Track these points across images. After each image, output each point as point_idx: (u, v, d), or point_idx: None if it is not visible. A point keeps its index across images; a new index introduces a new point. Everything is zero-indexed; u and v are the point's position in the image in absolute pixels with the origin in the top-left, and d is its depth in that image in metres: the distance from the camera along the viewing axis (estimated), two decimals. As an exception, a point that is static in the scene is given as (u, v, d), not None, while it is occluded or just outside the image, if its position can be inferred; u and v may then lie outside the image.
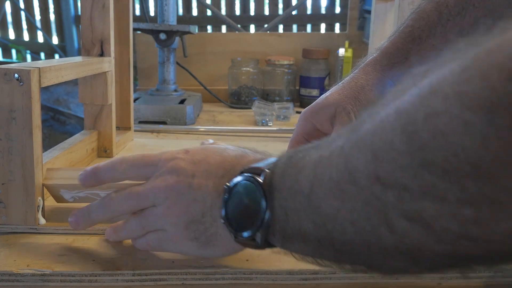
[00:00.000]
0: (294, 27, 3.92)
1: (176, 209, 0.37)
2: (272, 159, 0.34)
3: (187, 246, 0.38)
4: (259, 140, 0.90)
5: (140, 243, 0.40)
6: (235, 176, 0.35)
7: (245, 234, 0.33)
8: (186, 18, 3.89)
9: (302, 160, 0.30)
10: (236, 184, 0.34)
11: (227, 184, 0.35)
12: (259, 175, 0.32)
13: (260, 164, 0.34)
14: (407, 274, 0.27)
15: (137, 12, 3.28)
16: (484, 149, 0.19)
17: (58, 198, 0.48)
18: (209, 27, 3.93)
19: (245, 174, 0.34)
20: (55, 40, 4.21)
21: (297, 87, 1.30)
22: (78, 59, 0.59)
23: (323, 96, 0.54)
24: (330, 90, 0.54)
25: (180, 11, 3.96)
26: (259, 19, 3.95)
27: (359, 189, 0.24)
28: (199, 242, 0.37)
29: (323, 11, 3.99)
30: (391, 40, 0.52)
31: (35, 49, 4.18)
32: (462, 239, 0.21)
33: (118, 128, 0.78)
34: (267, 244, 0.33)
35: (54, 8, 4.14)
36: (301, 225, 0.29)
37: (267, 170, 0.32)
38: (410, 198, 0.22)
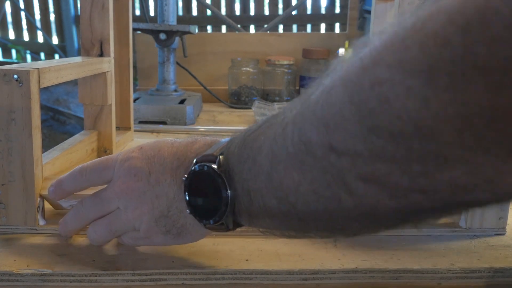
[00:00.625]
0: (294, 27, 3.92)
1: (142, 210, 0.38)
2: (223, 141, 0.35)
3: (162, 239, 0.39)
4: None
5: (124, 241, 0.41)
6: (190, 165, 0.35)
7: (212, 221, 0.34)
8: (186, 18, 3.89)
9: (257, 140, 0.31)
10: (193, 174, 0.35)
11: (185, 176, 0.35)
12: (213, 162, 0.33)
13: (211, 150, 0.35)
14: (367, 233, 0.29)
15: (137, 12, 3.29)
16: (425, 110, 0.21)
17: (56, 206, 0.48)
18: (209, 27, 3.94)
19: (201, 163, 0.34)
20: (55, 40, 4.21)
21: (297, 87, 1.30)
22: (77, 59, 0.59)
23: None
24: None
25: (180, 11, 3.96)
26: (259, 19, 3.95)
27: (316, 160, 0.26)
28: (171, 234, 0.38)
29: (323, 11, 3.99)
30: None
31: (35, 49, 4.18)
32: (412, 192, 0.23)
33: (118, 128, 0.78)
34: (235, 225, 0.34)
35: (54, 8, 4.14)
36: (265, 203, 0.30)
37: (220, 156, 0.33)
38: (363, 161, 0.24)
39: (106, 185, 0.40)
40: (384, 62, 0.22)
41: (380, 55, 0.22)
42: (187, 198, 0.35)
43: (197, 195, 0.35)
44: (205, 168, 0.34)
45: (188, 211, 0.36)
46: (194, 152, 0.37)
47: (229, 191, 0.32)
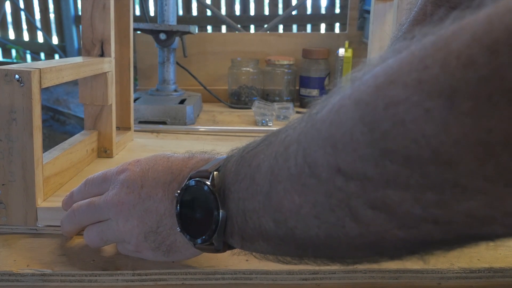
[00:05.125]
0: (294, 27, 3.92)
1: (131, 223, 0.37)
2: (220, 159, 0.34)
3: (151, 255, 0.38)
4: (259, 140, 0.90)
5: (121, 251, 0.41)
6: (184, 180, 0.34)
7: (199, 240, 0.33)
8: (186, 18, 3.89)
9: (256, 158, 0.29)
10: (186, 190, 0.34)
11: (178, 191, 0.34)
12: (207, 178, 0.32)
13: (206, 167, 0.33)
14: (368, 263, 0.27)
15: (137, 12, 3.28)
16: (444, 135, 0.19)
17: None
18: (209, 27, 3.94)
19: (194, 179, 0.33)
20: (55, 40, 4.21)
21: (297, 87, 1.30)
22: (78, 59, 0.60)
23: None
24: None
25: (180, 11, 3.96)
26: (259, 19, 3.95)
27: (320, 182, 0.24)
28: (161, 251, 0.37)
29: (323, 11, 3.99)
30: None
31: (35, 49, 4.18)
32: (425, 222, 0.22)
33: (118, 128, 0.78)
34: (226, 246, 0.33)
35: (54, 8, 4.14)
36: (261, 224, 0.29)
37: (215, 172, 0.32)
38: (373, 187, 0.22)
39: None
40: (400, 82, 0.21)
41: (396, 74, 0.21)
42: (178, 214, 0.34)
43: (188, 212, 0.34)
44: (198, 184, 0.32)
45: (178, 228, 0.35)
46: (189, 167, 0.36)
47: (221, 211, 0.31)
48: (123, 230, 0.38)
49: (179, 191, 0.34)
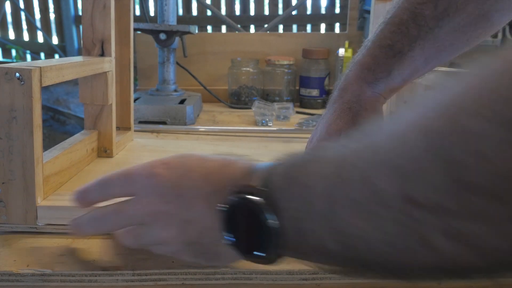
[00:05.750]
0: (294, 27, 3.92)
1: (170, 232, 0.36)
2: (259, 167, 0.33)
3: (192, 260, 0.37)
4: (259, 140, 0.90)
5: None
6: (226, 193, 0.33)
7: (256, 253, 0.32)
8: (186, 18, 3.89)
9: (306, 177, 0.28)
10: (233, 206, 0.32)
11: (224, 206, 0.33)
12: (255, 194, 0.31)
13: (251, 180, 0.32)
14: (431, 282, 0.27)
15: (137, 12, 3.28)
16: None
17: None
18: (209, 27, 3.93)
19: (240, 196, 0.32)
20: (55, 40, 4.21)
21: (297, 87, 1.30)
22: (78, 59, 0.60)
23: (324, 125, 0.52)
24: (326, 118, 0.53)
25: (180, 11, 3.96)
26: (259, 19, 3.95)
27: (389, 210, 0.23)
28: (204, 257, 0.37)
29: (323, 11, 3.99)
30: (371, 55, 0.51)
31: (35, 49, 4.18)
32: (509, 255, 0.21)
33: (118, 128, 0.78)
34: (278, 258, 0.32)
35: (54, 8, 4.14)
36: (322, 244, 0.28)
37: (263, 189, 0.31)
38: (451, 217, 0.21)
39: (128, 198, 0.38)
40: (479, 114, 0.20)
41: (466, 103, 0.20)
42: (227, 231, 0.33)
43: (236, 227, 0.33)
44: (246, 200, 0.31)
45: (225, 241, 0.33)
46: (228, 177, 0.34)
47: (274, 227, 0.30)
48: (161, 237, 0.36)
49: (224, 207, 0.33)
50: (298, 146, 0.82)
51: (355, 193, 0.25)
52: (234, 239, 0.33)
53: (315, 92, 1.26)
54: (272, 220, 0.30)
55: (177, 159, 0.37)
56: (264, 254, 0.31)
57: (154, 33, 1.05)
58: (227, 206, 0.32)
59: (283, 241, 0.30)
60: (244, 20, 3.95)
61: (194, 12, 4.03)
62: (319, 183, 0.27)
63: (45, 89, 2.97)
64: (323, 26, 3.95)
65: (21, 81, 0.43)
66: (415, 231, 0.23)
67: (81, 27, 0.67)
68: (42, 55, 4.21)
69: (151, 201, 0.36)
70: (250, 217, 0.31)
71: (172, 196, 0.35)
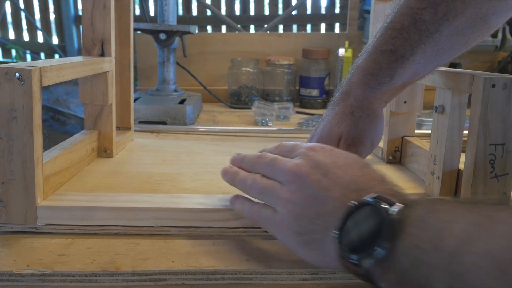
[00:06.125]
0: (294, 27, 3.92)
1: (294, 197, 0.37)
2: (408, 199, 0.33)
3: (288, 237, 0.38)
4: (259, 140, 0.90)
5: (250, 212, 0.42)
6: (364, 194, 0.33)
7: (354, 257, 0.31)
8: (186, 18, 3.89)
9: (448, 214, 0.29)
10: (362, 204, 0.33)
11: (355, 202, 0.33)
12: (389, 204, 0.31)
13: (392, 197, 0.32)
14: None
15: (137, 12, 3.28)
16: None
17: None
18: (209, 27, 3.94)
19: (377, 200, 0.32)
20: (55, 40, 4.21)
21: (297, 87, 1.30)
22: (78, 58, 0.60)
23: (325, 127, 0.53)
24: (327, 120, 0.54)
25: (180, 11, 3.96)
26: (259, 19, 3.95)
27: None
28: (300, 239, 0.37)
29: (323, 11, 3.99)
30: (373, 60, 0.51)
31: (35, 49, 4.18)
32: None
33: (118, 128, 0.78)
34: (369, 276, 0.31)
35: (54, 8, 4.14)
36: (430, 280, 0.27)
37: (401, 205, 0.31)
38: None
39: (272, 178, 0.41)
40: None
41: None
42: (344, 222, 0.33)
43: (354, 225, 0.33)
44: (377, 205, 0.31)
45: (335, 234, 0.33)
46: (376, 189, 0.35)
47: (389, 243, 0.29)
48: (283, 197, 0.38)
49: (355, 202, 0.33)
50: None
51: (498, 252, 0.25)
52: (344, 234, 0.33)
53: (315, 92, 1.26)
54: (390, 237, 0.29)
55: (343, 152, 0.40)
56: (356, 260, 0.31)
57: (154, 33, 1.06)
58: (356, 203, 0.33)
59: (387, 260, 0.29)
60: (244, 20, 3.95)
61: (194, 12, 4.04)
62: (461, 224, 0.28)
63: (45, 89, 2.98)
64: (323, 26, 3.96)
65: (21, 81, 0.43)
66: None
67: (81, 27, 0.67)
68: (42, 55, 4.21)
69: (301, 163, 0.39)
70: (371, 223, 0.31)
71: (319, 171, 0.38)
